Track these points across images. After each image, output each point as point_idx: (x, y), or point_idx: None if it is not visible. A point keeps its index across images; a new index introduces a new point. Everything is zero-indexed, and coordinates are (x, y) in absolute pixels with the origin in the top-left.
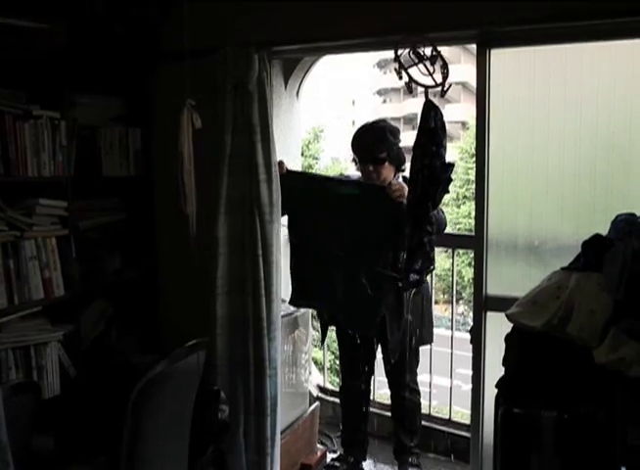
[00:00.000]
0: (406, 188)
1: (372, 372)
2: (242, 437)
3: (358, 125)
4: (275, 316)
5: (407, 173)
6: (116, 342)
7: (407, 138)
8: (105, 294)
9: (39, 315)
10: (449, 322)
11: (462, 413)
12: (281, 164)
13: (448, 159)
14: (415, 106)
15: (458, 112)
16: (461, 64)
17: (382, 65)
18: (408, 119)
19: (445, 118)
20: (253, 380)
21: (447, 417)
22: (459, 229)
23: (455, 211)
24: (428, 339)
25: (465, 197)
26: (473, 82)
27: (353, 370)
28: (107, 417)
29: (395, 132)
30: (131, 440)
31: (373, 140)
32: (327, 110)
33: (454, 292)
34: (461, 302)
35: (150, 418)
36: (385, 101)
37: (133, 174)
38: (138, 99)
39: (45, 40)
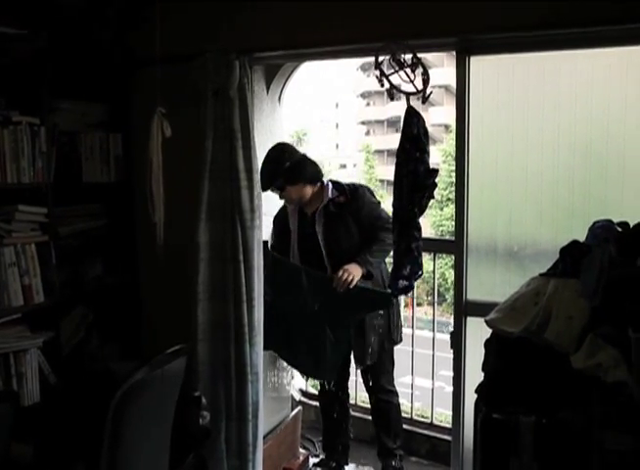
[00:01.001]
0: (353, 272)
1: (346, 377)
2: (223, 442)
3: (342, 128)
4: (256, 322)
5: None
6: (97, 348)
7: (391, 141)
8: (85, 300)
9: (19, 322)
10: (431, 324)
11: (446, 415)
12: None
13: (432, 163)
14: (398, 109)
15: (441, 115)
16: (444, 67)
17: (365, 68)
18: (391, 122)
19: (428, 122)
20: (235, 385)
21: (429, 421)
22: (442, 232)
23: (438, 214)
24: (397, 339)
25: (448, 199)
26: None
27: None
28: (86, 425)
29: (276, 157)
30: (111, 447)
31: (263, 172)
32: (310, 113)
33: (436, 295)
34: (444, 304)
35: (130, 425)
36: (368, 104)
37: (114, 180)
38: (119, 104)
39: (25, 46)
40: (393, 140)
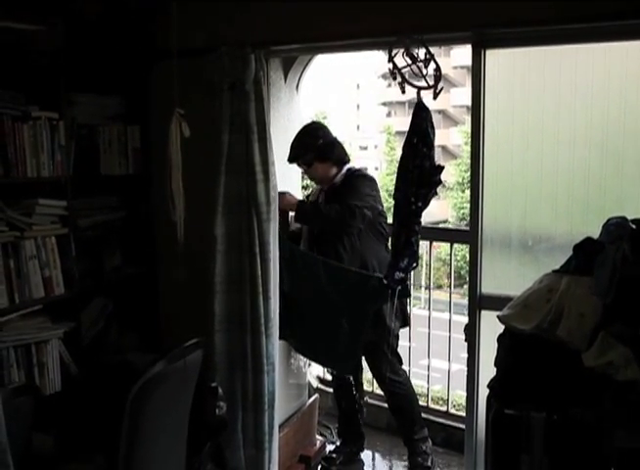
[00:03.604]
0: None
1: (360, 365)
2: (240, 432)
3: (363, 109)
4: (272, 313)
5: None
6: (116, 339)
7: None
8: (105, 291)
9: (40, 314)
10: (454, 306)
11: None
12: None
13: (453, 145)
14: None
15: (462, 96)
16: (466, 48)
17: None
18: (413, 104)
19: (449, 103)
20: (251, 376)
21: (445, 410)
22: (462, 214)
23: (460, 196)
24: (397, 329)
25: (469, 181)
26: None
27: None
28: (105, 416)
29: (314, 132)
30: (129, 438)
31: (293, 145)
32: (331, 94)
33: (452, 282)
34: (466, 286)
35: (148, 417)
36: (389, 85)
37: (132, 172)
38: (136, 97)
39: (42, 41)
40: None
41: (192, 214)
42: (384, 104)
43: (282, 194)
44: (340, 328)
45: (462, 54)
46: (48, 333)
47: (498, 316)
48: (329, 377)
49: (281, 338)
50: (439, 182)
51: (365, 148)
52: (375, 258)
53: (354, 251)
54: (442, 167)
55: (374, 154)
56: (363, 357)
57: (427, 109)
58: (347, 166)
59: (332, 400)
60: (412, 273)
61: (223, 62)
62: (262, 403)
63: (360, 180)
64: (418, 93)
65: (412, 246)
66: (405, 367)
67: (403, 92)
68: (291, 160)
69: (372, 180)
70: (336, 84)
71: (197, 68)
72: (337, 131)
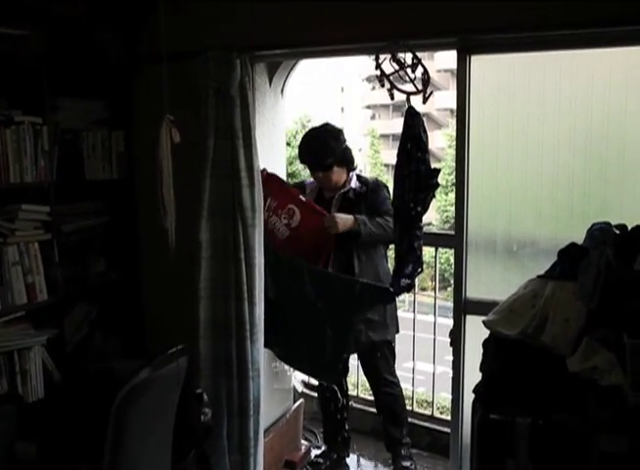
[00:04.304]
0: (344, 219)
1: (345, 372)
2: (225, 438)
3: (347, 112)
4: (257, 319)
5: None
6: (100, 345)
7: (397, 126)
8: (88, 297)
9: (22, 320)
10: (438, 309)
11: (449, 399)
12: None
13: (436, 147)
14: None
15: (446, 99)
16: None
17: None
18: (397, 107)
19: (434, 106)
20: (236, 382)
21: (430, 413)
22: (446, 217)
23: (443, 199)
24: (395, 331)
25: (453, 184)
26: None
27: None
28: (89, 424)
29: (337, 135)
30: (114, 446)
31: (317, 148)
32: (315, 97)
33: (437, 285)
34: (450, 288)
35: (132, 424)
36: (373, 88)
37: (116, 177)
38: (120, 101)
39: (26, 46)
40: (399, 124)
41: (177, 219)
42: (368, 107)
43: (331, 217)
44: (324, 335)
45: (446, 57)
46: (31, 340)
47: (483, 321)
48: (314, 382)
49: (266, 346)
50: (437, 185)
51: None
52: (383, 269)
53: (370, 261)
54: (439, 170)
55: (358, 157)
56: (359, 361)
57: (418, 114)
58: (356, 172)
59: (317, 405)
60: None
61: (208, 66)
62: (247, 409)
63: (386, 191)
64: (407, 98)
65: (415, 251)
66: None
67: (392, 98)
68: (316, 164)
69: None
70: (320, 87)
71: (182, 72)
72: None
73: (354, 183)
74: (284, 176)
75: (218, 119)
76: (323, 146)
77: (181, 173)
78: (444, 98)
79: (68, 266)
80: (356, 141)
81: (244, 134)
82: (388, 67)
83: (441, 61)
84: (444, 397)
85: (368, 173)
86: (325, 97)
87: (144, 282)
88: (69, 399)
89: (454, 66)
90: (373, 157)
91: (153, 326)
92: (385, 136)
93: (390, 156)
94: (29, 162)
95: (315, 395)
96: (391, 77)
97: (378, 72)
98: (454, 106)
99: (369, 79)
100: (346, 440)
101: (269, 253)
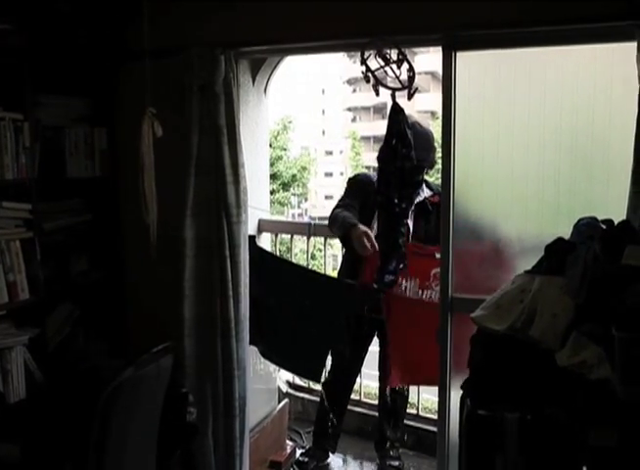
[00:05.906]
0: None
1: (358, 371)
2: (210, 438)
3: (328, 115)
4: (243, 317)
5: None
6: (84, 344)
7: (377, 128)
8: (71, 296)
9: (4, 319)
10: None
11: (432, 401)
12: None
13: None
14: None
15: (427, 101)
16: (430, 53)
17: (351, 54)
18: (378, 109)
19: (414, 108)
20: (222, 381)
21: (416, 413)
22: None
23: None
24: None
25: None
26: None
27: (346, 365)
28: (73, 424)
29: (433, 136)
30: (98, 446)
31: (427, 146)
32: (296, 99)
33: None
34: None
35: (117, 424)
36: (354, 90)
37: (99, 175)
38: (103, 98)
39: (7, 40)
40: (380, 127)
41: (161, 216)
42: (349, 109)
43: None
44: (308, 333)
45: (426, 60)
46: (12, 339)
47: (471, 317)
48: (299, 382)
49: (251, 343)
50: (422, 182)
51: (330, 153)
52: None
53: None
54: (423, 167)
55: (339, 159)
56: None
57: (402, 110)
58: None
59: (301, 405)
60: None
61: (193, 63)
62: (233, 409)
63: None
64: (393, 95)
65: (400, 248)
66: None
67: (377, 94)
68: (426, 162)
69: None
70: (301, 89)
71: (166, 69)
72: (302, 136)
73: (426, 192)
74: (267, 177)
75: (203, 116)
76: (431, 146)
77: (165, 170)
78: (425, 100)
79: (50, 265)
80: (337, 143)
81: (228, 131)
82: (374, 63)
83: (422, 63)
84: (426, 398)
85: (349, 175)
86: (306, 99)
87: (127, 281)
88: (53, 398)
89: (435, 68)
90: (354, 159)
91: (137, 325)
92: (366, 138)
93: (372, 158)
94: (10, 158)
95: (299, 395)
96: (376, 74)
97: (363, 68)
98: (435, 108)
99: (350, 82)
100: (336, 436)
101: (254, 250)
